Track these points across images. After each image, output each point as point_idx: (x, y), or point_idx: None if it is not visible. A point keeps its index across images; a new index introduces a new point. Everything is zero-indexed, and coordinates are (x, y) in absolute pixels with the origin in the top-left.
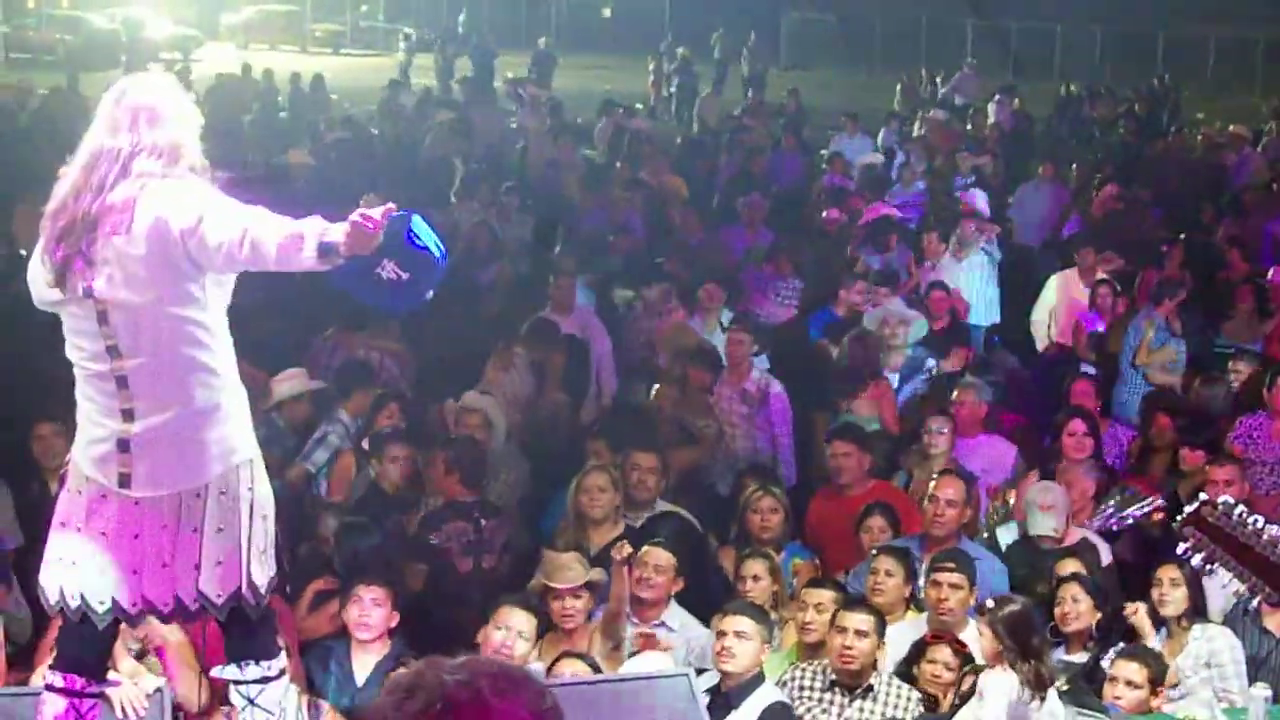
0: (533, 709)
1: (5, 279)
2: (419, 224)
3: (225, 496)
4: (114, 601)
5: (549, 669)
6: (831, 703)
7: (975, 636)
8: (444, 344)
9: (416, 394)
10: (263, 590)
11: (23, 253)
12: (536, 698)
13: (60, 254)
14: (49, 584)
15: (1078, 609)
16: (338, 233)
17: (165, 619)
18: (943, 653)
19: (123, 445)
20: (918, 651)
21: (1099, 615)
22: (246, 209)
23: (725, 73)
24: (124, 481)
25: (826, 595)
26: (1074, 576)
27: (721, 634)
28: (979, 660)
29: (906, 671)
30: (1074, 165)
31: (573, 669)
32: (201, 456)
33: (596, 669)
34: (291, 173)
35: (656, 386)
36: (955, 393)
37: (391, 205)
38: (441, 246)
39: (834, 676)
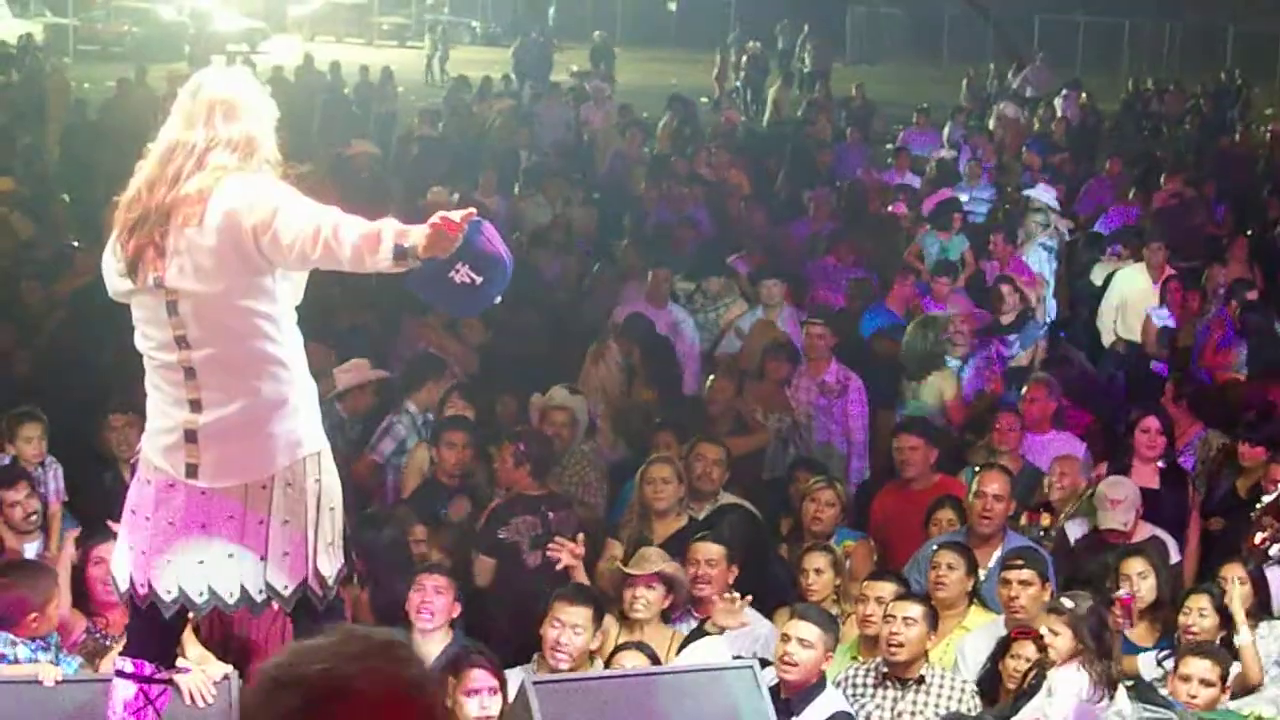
0: (400, 684)
1: (80, 271)
2: (490, 228)
3: (292, 488)
4: (181, 590)
5: (610, 659)
6: (885, 697)
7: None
8: (510, 337)
9: (483, 386)
10: (330, 582)
11: (76, 243)
12: (402, 669)
13: (133, 245)
14: (119, 572)
15: (1203, 623)
16: (417, 235)
17: (231, 609)
18: (1027, 649)
19: (190, 435)
20: (1003, 648)
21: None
22: (321, 208)
23: (791, 64)
24: (191, 471)
25: (888, 588)
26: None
27: (785, 638)
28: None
29: (992, 668)
30: (1139, 161)
31: (633, 660)
32: (268, 448)
33: (656, 660)
34: (355, 164)
35: (711, 378)
36: (1025, 388)
37: (472, 210)
38: (509, 252)
39: (885, 669)
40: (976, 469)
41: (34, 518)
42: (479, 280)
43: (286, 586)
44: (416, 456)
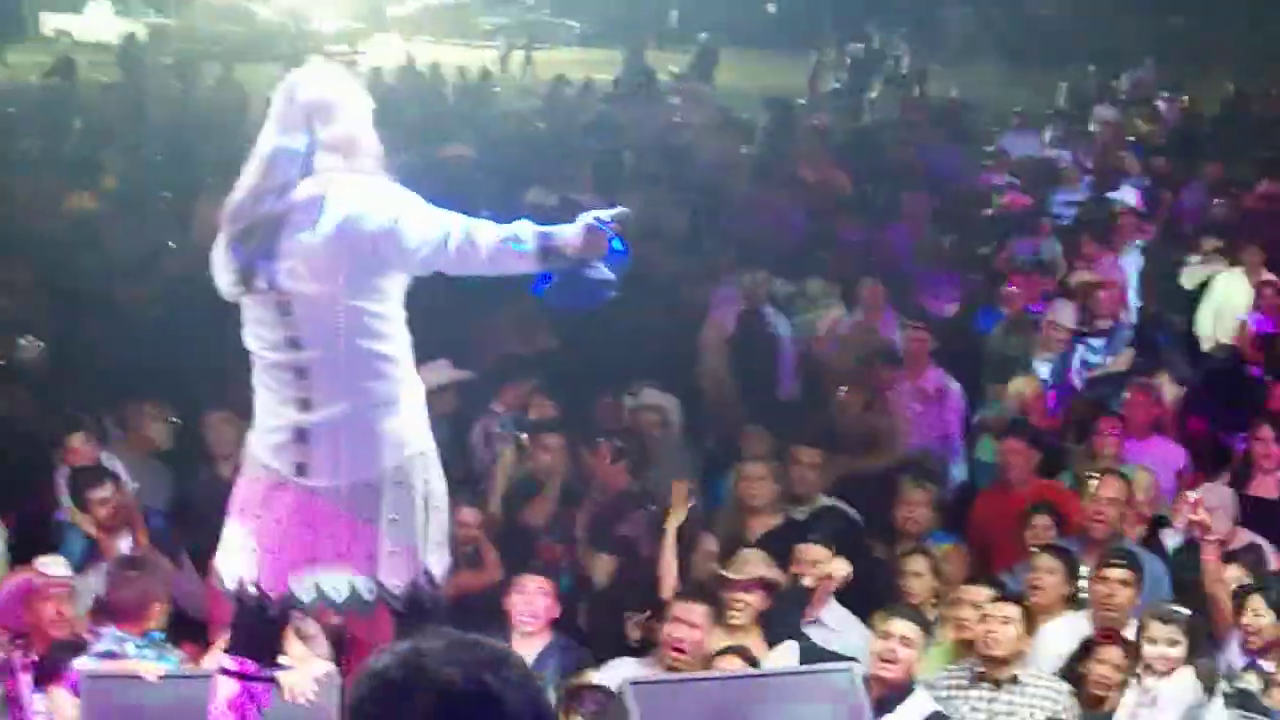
0: (542, 704)
1: (173, 272)
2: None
3: (401, 487)
4: (289, 589)
5: (709, 661)
6: (979, 697)
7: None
8: (604, 336)
9: (575, 386)
10: (439, 580)
11: (171, 244)
12: (535, 684)
13: (243, 253)
14: (225, 569)
15: (1259, 622)
16: (567, 235)
17: (339, 608)
18: (1112, 653)
19: (300, 435)
20: (1085, 650)
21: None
22: (441, 212)
23: (882, 66)
24: (300, 470)
25: (984, 593)
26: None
27: (886, 635)
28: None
29: (1070, 670)
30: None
31: (733, 664)
32: (378, 447)
33: (755, 663)
34: (450, 165)
35: (842, 389)
36: (1126, 393)
37: (625, 209)
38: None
39: (980, 669)
40: (1095, 474)
41: (121, 514)
42: (610, 277)
43: (397, 585)
44: (504, 458)
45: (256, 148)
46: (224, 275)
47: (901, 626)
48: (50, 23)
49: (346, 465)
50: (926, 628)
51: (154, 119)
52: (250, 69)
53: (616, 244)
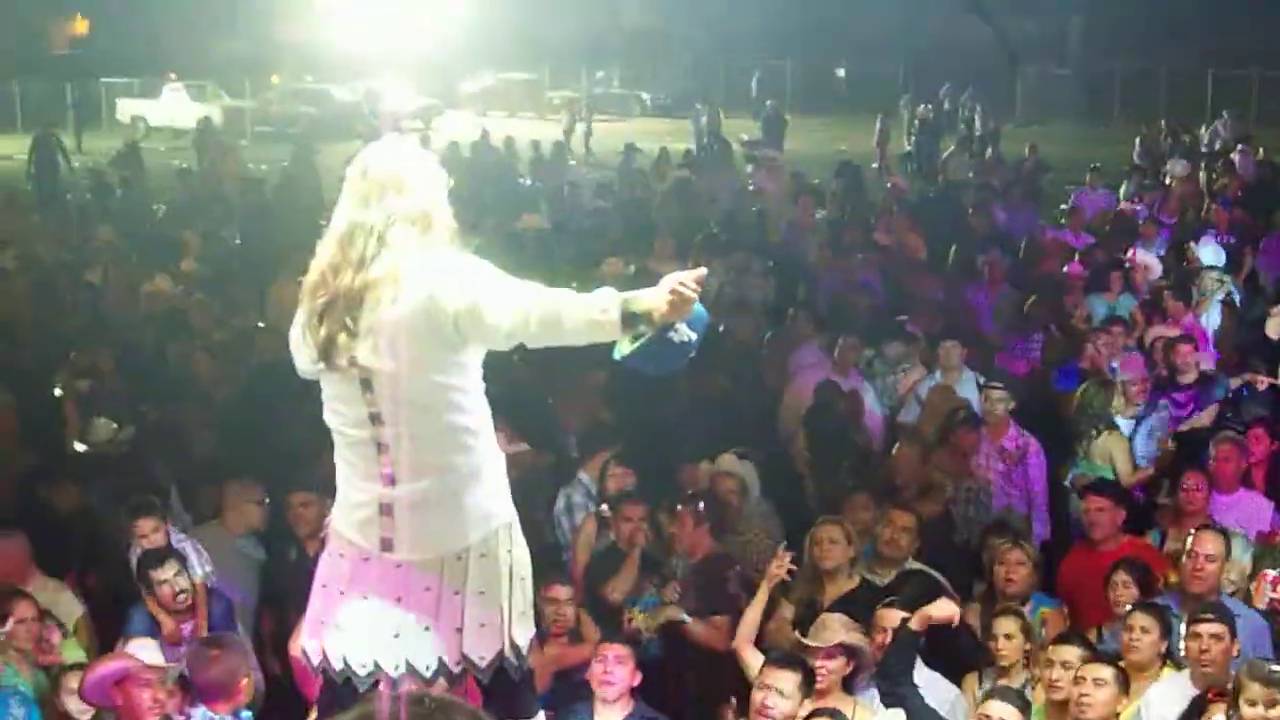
0: None
1: (262, 350)
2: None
3: (486, 559)
4: (376, 664)
5: None
6: None
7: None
8: (684, 404)
9: (658, 454)
10: (525, 651)
11: (261, 324)
12: None
13: (324, 330)
14: (311, 646)
15: None
16: (651, 301)
17: (428, 682)
18: (1221, 713)
19: (385, 509)
20: (1197, 710)
21: None
22: (520, 284)
23: (956, 125)
24: (386, 545)
25: (1074, 653)
26: None
27: (986, 719)
28: None
29: None
30: None
31: None
32: (462, 520)
33: None
34: (524, 237)
35: (897, 445)
36: (1212, 448)
37: (704, 271)
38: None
39: None
40: (1194, 530)
41: (183, 596)
42: (693, 338)
43: (483, 658)
44: (585, 530)
45: (332, 223)
46: (303, 352)
47: (1000, 709)
48: (127, 109)
49: (433, 538)
50: (1026, 709)
51: (231, 201)
52: (326, 149)
53: (699, 308)
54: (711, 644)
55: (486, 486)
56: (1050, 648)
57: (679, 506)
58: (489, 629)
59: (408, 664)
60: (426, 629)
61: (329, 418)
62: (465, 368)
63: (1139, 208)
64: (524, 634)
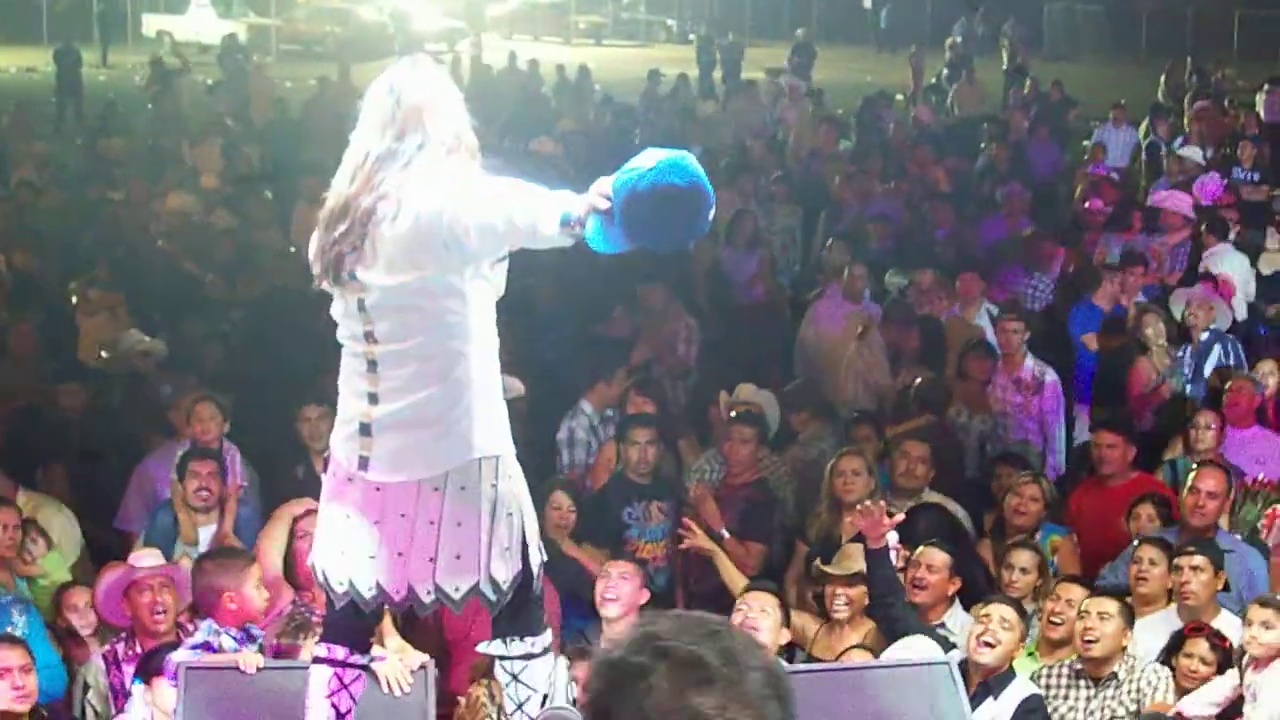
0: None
1: (273, 270)
2: (662, 167)
3: (465, 492)
4: (351, 584)
5: (839, 658)
6: (1078, 695)
7: (1233, 629)
8: (704, 332)
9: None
10: (504, 586)
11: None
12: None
13: (336, 250)
14: (316, 564)
15: None
16: (581, 204)
17: (398, 607)
18: (1200, 646)
19: (364, 428)
20: (1176, 644)
21: None
22: (507, 183)
23: (965, 61)
24: (363, 465)
25: (1078, 591)
26: None
27: (985, 618)
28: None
29: (1165, 663)
30: None
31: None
32: (439, 446)
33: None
34: (538, 161)
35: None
36: (1228, 384)
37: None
38: (691, 179)
39: (1079, 667)
40: (1194, 465)
41: (205, 495)
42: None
43: (457, 589)
44: (604, 454)
45: (353, 146)
46: (316, 266)
47: (1002, 610)
48: (153, 24)
49: (406, 462)
50: (1024, 614)
51: (255, 119)
52: (356, 69)
53: (617, 180)
54: (741, 568)
55: (469, 416)
56: (1058, 585)
57: (734, 423)
58: (465, 560)
59: (380, 587)
60: (400, 555)
61: (339, 334)
62: (461, 295)
63: (1162, 146)
64: (506, 570)
